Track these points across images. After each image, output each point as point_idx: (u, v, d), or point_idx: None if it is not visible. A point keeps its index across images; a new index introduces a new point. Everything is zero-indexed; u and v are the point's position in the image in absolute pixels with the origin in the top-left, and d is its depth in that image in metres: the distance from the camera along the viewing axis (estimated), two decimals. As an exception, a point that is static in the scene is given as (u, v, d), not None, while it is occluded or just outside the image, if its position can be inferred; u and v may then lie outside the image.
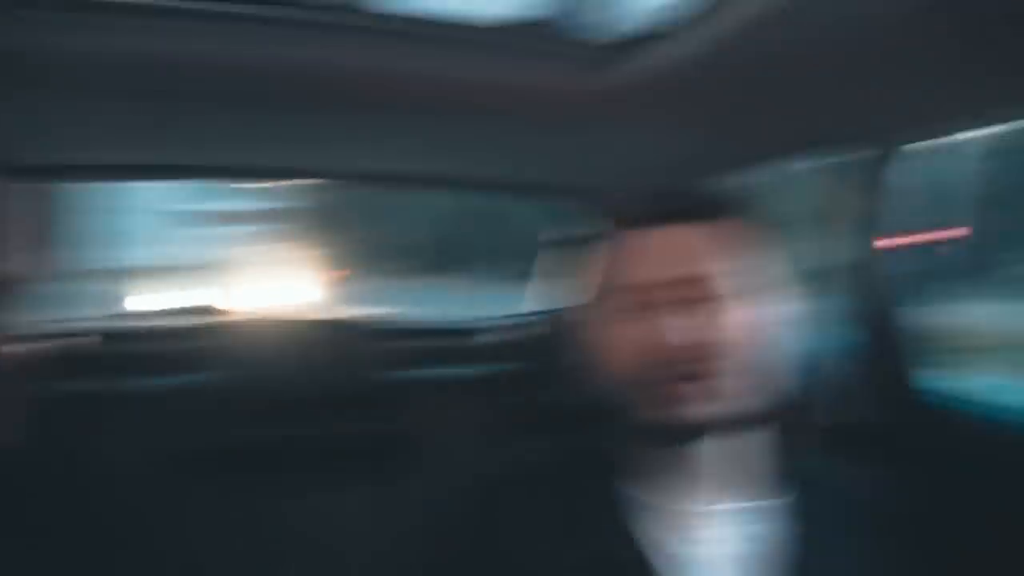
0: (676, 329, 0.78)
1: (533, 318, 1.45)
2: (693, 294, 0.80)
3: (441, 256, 12.91)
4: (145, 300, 7.01)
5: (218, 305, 2.02)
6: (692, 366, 0.78)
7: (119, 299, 7.29)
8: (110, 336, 1.42)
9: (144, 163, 1.52)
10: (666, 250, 0.82)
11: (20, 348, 1.10)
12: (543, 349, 1.21)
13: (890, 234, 1.26)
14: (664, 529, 0.82)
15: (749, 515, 0.84)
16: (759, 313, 0.82)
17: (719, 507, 0.84)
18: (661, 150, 1.44)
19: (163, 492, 1.18)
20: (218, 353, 1.24)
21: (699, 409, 0.79)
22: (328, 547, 1.22)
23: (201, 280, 8.31)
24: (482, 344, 1.40)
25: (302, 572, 1.20)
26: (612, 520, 0.82)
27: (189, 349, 1.26)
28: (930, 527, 0.99)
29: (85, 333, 1.39)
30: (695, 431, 0.80)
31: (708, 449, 0.83)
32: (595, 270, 0.89)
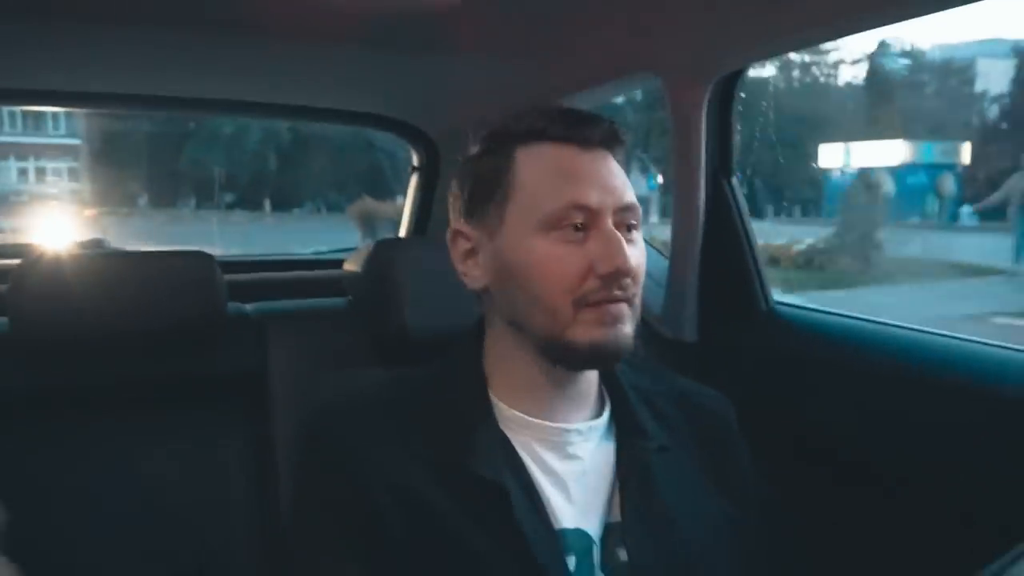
0: (624, 252, 0.79)
1: (394, 245, 1.42)
2: (633, 219, 0.83)
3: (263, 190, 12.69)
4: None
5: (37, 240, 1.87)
6: (630, 289, 0.81)
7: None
8: None
9: None
10: (611, 174, 0.83)
11: None
12: (405, 277, 1.19)
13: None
14: (541, 446, 0.84)
15: (617, 433, 0.88)
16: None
17: (592, 424, 0.87)
18: (487, 78, 1.45)
19: None
20: (52, 288, 1.14)
21: (628, 330, 0.81)
22: (170, 486, 1.17)
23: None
24: (338, 275, 1.35)
25: (138, 514, 1.14)
26: (485, 442, 0.82)
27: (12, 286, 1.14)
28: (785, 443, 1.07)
29: None
30: (628, 350, 0.82)
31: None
32: (491, 185, 0.86)
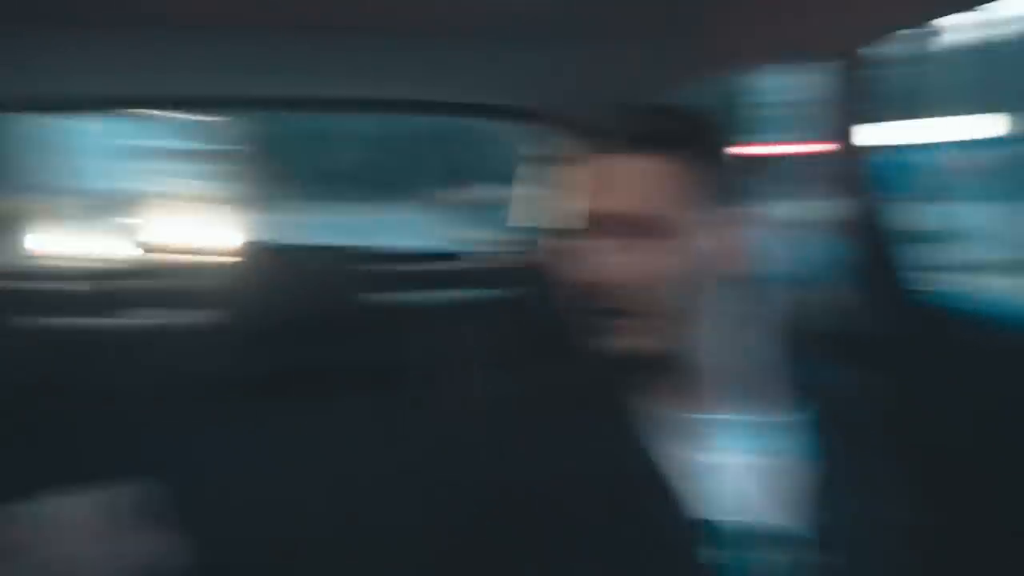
0: (615, 263, 0.78)
1: (514, 243, 1.44)
2: (634, 228, 0.79)
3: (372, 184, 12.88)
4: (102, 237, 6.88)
5: (191, 242, 1.99)
6: (629, 300, 0.78)
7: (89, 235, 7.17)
8: (96, 274, 1.37)
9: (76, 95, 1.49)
10: (619, 179, 0.80)
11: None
12: (530, 274, 1.20)
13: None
14: (677, 440, 0.83)
15: (760, 427, 0.86)
16: (724, 243, 0.82)
17: (731, 418, 0.85)
18: (615, 65, 1.42)
19: (155, 428, 1.17)
20: (207, 289, 1.21)
21: (645, 342, 0.79)
22: (324, 477, 1.20)
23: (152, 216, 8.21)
24: (468, 269, 1.38)
25: (299, 504, 1.18)
26: (621, 435, 0.83)
27: (174, 286, 1.23)
28: (931, 434, 1.02)
29: (66, 272, 1.36)
30: (643, 365, 0.81)
31: (715, 362, 0.85)
32: (576, 194, 0.85)
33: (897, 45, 1.20)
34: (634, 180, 0.80)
